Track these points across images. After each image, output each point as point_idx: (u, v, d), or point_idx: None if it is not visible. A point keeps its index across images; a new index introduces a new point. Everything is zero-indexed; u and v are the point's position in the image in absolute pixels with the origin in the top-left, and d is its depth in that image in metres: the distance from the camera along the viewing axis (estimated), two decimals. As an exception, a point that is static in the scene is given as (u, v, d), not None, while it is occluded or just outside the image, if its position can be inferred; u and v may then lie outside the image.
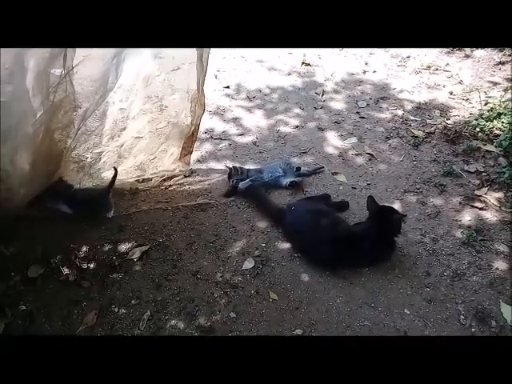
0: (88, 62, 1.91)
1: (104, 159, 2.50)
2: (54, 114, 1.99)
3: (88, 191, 2.33)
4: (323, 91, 3.40)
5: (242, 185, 2.45)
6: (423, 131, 2.92)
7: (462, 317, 1.85)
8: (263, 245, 2.18)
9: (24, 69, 1.73)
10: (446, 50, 3.85)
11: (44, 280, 1.97)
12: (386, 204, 2.25)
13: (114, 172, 2.26)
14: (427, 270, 2.06)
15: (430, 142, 2.84)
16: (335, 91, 3.42)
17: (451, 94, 3.30)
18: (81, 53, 1.89)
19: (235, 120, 3.10)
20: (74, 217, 2.24)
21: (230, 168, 2.52)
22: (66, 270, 2.00)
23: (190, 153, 2.58)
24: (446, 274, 2.04)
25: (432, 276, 2.03)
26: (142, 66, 2.21)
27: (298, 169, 2.56)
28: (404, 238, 2.20)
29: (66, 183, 2.25)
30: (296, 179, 2.51)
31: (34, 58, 1.74)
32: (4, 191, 2.04)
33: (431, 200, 2.42)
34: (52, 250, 2.09)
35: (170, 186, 2.53)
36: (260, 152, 2.80)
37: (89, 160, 2.50)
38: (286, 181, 2.50)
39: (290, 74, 3.64)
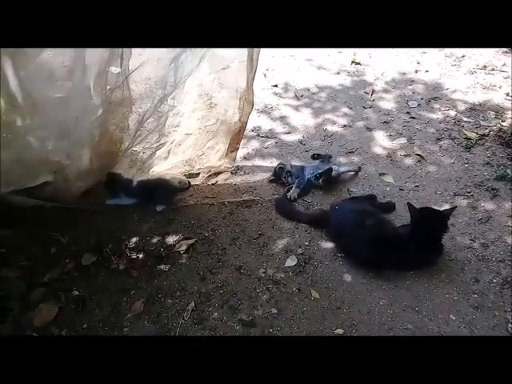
0: (147, 65, 1.98)
1: (156, 155, 2.59)
2: (112, 113, 2.08)
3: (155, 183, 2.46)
4: (373, 90, 3.36)
5: (292, 193, 2.46)
6: (476, 133, 2.82)
7: (510, 325, 1.79)
8: (306, 243, 2.19)
9: (85, 67, 1.82)
10: (503, 49, 3.68)
11: (96, 268, 2.07)
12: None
13: (187, 185, 2.46)
14: (475, 276, 2.00)
15: (483, 144, 2.74)
16: (385, 91, 3.37)
17: (507, 95, 3.17)
18: (137, 51, 1.97)
19: (282, 118, 3.12)
20: (137, 205, 2.39)
21: (281, 166, 2.56)
22: (116, 259, 2.10)
23: (236, 149, 2.61)
24: (495, 280, 1.97)
25: (480, 282, 1.97)
26: (194, 66, 2.26)
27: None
28: (452, 242, 2.15)
29: (122, 177, 2.38)
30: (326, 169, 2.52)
31: (95, 56, 1.83)
32: (61, 182, 2.17)
33: (482, 204, 2.34)
34: (104, 240, 2.19)
35: (217, 182, 2.58)
36: (306, 151, 2.81)
37: (141, 155, 2.59)
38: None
39: (339, 73, 3.61)
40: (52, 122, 2.00)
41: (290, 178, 2.51)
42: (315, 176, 2.49)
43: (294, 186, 2.47)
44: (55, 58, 1.79)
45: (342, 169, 2.58)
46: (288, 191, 2.47)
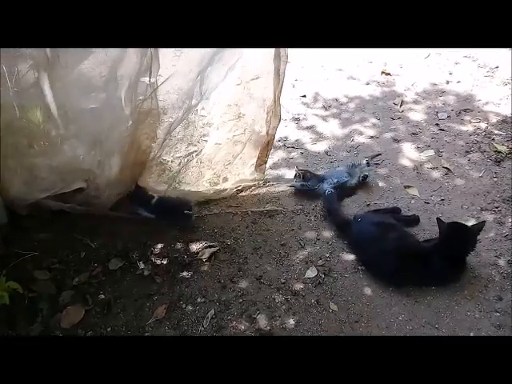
0: (176, 76, 2.05)
1: (184, 164, 2.65)
2: (141, 123, 2.16)
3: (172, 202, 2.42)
4: (402, 101, 3.32)
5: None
6: (507, 146, 2.76)
7: (534, 347, 1.75)
8: (327, 255, 2.20)
9: (117, 78, 1.90)
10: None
11: (122, 272, 2.15)
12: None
13: None
14: (499, 294, 1.96)
15: (513, 158, 2.68)
16: (415, 101, 3.33)
17: (542, 107, 3.08)
18: (167, 65, 2.04)
19: (309, 129, 3.13)
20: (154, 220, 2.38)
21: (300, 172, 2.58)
22: (142, 265, 2.17)
23: (265, 162, 2.64)
24: (519, 299, 1.93)
25: (504, 301, 1.93)
26: (221, 77, 2.32)
27: (368, 164, 2.63)
28: (477, 258, 2.11)
29: (145, 191, 2.38)
30: (367, 173, 2.57)
31: (127, 68, 1.90)
32: (92, 190, 2.27)
33: (510, 220, 2.29)
34: (131, 246, 2.27)
35: (241, 191, 2.63)
36: (331, 162, 2.81)
37: (170, 164, 2.67)
38: (353, 181, 2.55)
39: (368, 84, 3.59)
40: (85, 132, 2.10)
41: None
42: (361, 177, 2.55)
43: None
44: (92, 69, 1.87)
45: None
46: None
